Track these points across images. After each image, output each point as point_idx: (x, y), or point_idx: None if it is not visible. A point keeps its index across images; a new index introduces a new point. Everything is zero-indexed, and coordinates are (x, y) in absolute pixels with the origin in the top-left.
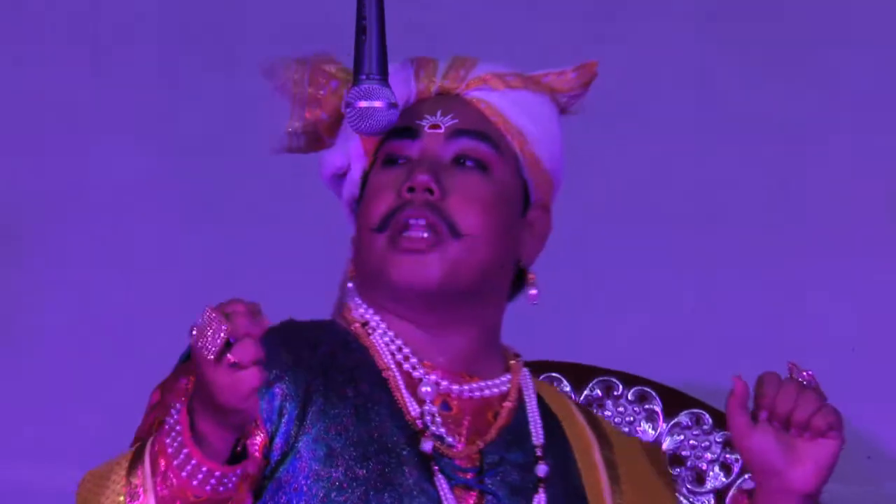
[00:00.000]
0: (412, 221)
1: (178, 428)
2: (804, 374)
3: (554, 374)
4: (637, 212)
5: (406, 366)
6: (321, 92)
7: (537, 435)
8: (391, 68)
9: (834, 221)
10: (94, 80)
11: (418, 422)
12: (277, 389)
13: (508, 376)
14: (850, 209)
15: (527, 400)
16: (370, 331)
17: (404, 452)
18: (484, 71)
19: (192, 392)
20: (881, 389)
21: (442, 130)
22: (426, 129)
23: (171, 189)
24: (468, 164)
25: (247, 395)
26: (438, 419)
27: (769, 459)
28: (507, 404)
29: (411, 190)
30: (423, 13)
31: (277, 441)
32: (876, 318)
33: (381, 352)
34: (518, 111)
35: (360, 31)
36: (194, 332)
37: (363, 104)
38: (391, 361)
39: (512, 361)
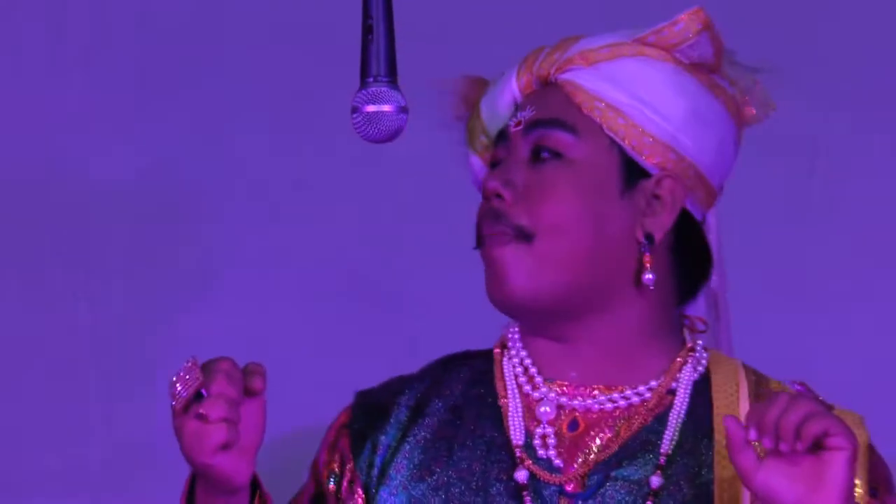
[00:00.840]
0: (488, 233)
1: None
2: (795, 384)
3: None
4: None
5: (527, 388)
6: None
7: (668, 442)
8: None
9: (861, 241)
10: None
11: (518, 450)
12: (369, 443)
13: (661, 380)
14: (884, 229)
15: (675, 403)
16: (505, 353)
17: (493, 489)
18: (576, 50)
19: None
20: None
21: (521, 127)
22: (511, 128)
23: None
24: (544, 155)
25: (211, 451)
26: (552, 441)
27: (782, 495)
28: (642, 413)
29: (487, 198)
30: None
31: (371, 494)
32: None
33: (506, 377)
34: (609, 84)
35: (367, 30)
36: (171, 380)
37: (371, 108)
38: (512, 385)
39: (678, 359)
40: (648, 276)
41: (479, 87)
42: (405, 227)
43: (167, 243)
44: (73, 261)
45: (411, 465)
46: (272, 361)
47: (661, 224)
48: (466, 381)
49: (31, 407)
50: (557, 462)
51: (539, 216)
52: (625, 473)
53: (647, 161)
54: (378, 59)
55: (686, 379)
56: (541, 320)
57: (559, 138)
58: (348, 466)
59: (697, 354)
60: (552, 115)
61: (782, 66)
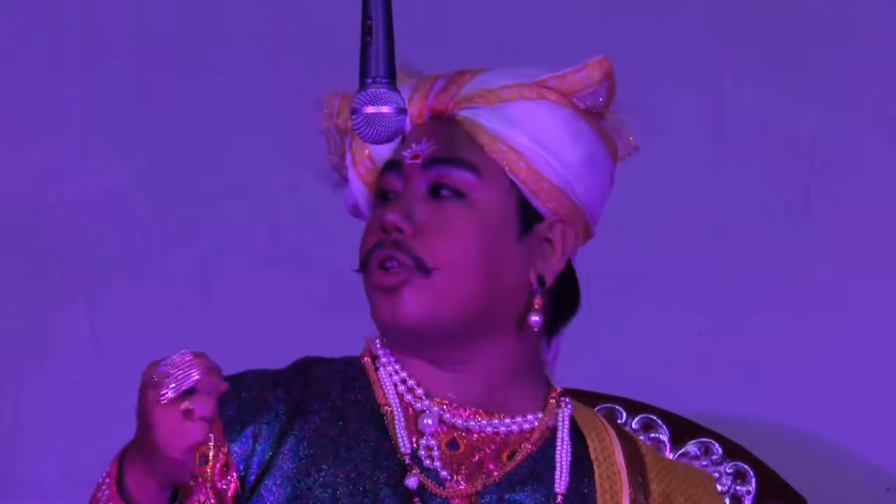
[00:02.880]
0: (384, 257)
1: (107, 480)
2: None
3: None
4: (647, 230)
5: (408, 397)
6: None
7: (560, 481)
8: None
9: (863, 246)
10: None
11: (406, 458)
12: (249, 430)
13: (538, 415)
14: (882, 233)
15: (558, 442)
16: (378, 365)
17: (382, 493)
18: (476, 87)
19: (131, 441)
20: None
21: (420, 161)
22: (407, 160)
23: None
24: (444, 192)
25: (187, 448)
26: (436, 453)
27: None
28: (527, 445)
29: (385, 230)
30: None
31: (248, 482)
32: None
33: (384, 385)
34: (510, 126)
35: (366, 31)
36: (160, 369)
37: (370, 110)
38: (393, 395)
39: (552, 399)
40: (535, 318)
41: (348, 102)
42: None
43: (163, 246)
44: (71, 263)
45: (297, 458)
46: (266, 364)
47: (552, 267)
48: (339, 384)
49: (28, 409)
50: (444, 474)
51: (439, 254)
52: (517, 498)
53: (543, 205)
54: (377, 60)
55: (565, 418)
56: (423, 346)
57: (462, 178)
58: (223, 451)
59: (566, 398)
60: (455, 153)
61: (780, 70)
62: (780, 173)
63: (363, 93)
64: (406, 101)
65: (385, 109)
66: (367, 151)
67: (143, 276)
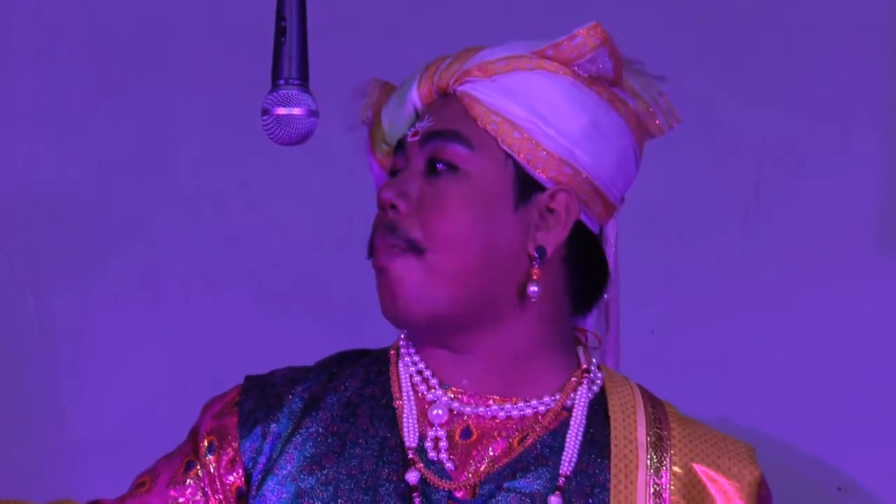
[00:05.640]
0: (380, 244)
1: None
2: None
3: None
4: None
5: (422, 388)
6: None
7: (568, 463)
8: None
9: (814, 245)
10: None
11: (409, 452)
12: (259, 429)
13: (556, 396)
14: (833, 232)
15: (571, 423)
16: (399, 357)
17: (382, 489)
18: (476, 62)
19: None
20: (850, 420)
21: (418, 137)
22: (409, 138)
23: (94, 201)
24: (440, 167)
25: None
26: (443, 444)
27: None
28: (537, 429)
29: (382, 208)
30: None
31: (254, 481)
32: (853, 347)
33: (401, 379)
34: (506, 98)
35: (280, 32)
36: None
37: (281, 111)
38: (407, 387)
39: (573, 378)
40: (533, 288)
41: (386, 91)
42: (355, 229)
43: (113, 243)
44: (20, 259)
45: (302, 458)
46: (222, 369)
47: (553, 238)
48: (361, 378)
49: None
50: (449, 465)
51: (432, 230)
52: (518, 485)
53: (542, 175)
54: (290, 61)
55: (582, 399)
56: (431, 332)
57: (454, 151)
58: (232, 445)
59: (592, 375)
60: (448, 127)
61: (730, 68)
62: (730, 171)
63: (275, 94)
64: (316, 103)
65: (296, 111)
66: (381, 134)
67: (92, 273)
